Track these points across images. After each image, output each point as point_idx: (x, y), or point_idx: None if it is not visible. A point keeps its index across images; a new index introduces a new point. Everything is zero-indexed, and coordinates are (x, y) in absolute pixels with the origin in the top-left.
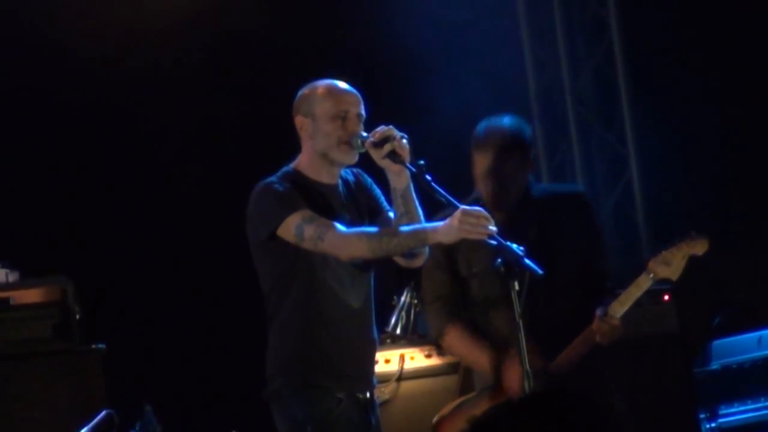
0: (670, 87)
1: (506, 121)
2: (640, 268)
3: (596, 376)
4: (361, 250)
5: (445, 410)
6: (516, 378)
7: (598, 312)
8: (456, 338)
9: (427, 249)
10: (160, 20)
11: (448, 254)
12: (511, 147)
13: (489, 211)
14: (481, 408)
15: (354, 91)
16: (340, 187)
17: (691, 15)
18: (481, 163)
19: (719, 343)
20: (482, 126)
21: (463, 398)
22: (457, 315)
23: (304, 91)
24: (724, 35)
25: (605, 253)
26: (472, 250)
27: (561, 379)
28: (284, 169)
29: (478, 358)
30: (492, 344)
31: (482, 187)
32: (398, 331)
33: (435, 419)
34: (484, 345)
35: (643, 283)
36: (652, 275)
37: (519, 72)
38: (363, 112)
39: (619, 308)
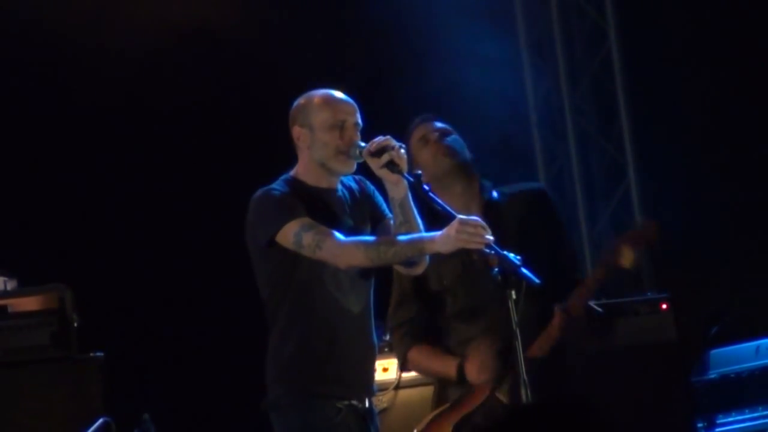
0: (669, 96)
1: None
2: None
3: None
4: (359, 259)
5: (421, 425)
6: (474, 367)
7: (558, 304)
8: (419, 356)
9: (427, 257)
10: (154, 25)
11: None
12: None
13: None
14: (454, 418)
15: (350, 100)
16: (341, 192)
17: (689, 23)
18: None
19: (717, 353)
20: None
21: (436, 411)
22: (420, 338)
23: (300, 101)
24: (723, 44)
25: (571, 246)
26: (441, 264)
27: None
28: (283, 176)
29: (444, 366)
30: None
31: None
32: None
33: None
34: (446, 354)
35: (597, 275)
36: (606, 264)
37: (517, 80)
38: (360, 121)
39: (574, 303)
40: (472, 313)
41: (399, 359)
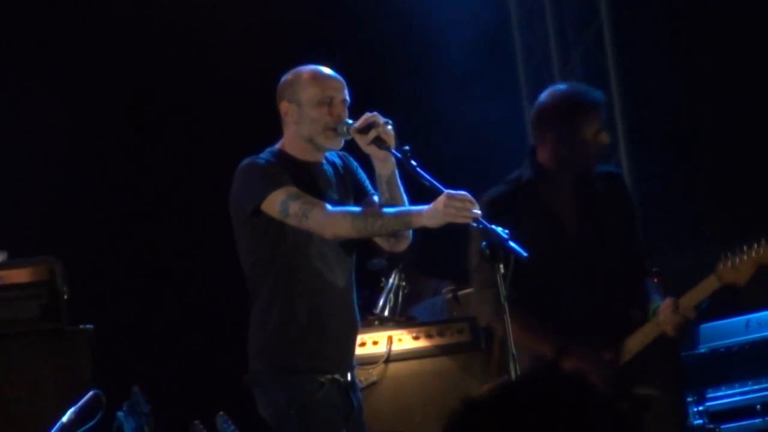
0: (660, 71)
1: (581, 85)
2: (699, 263)
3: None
4: (346, 229)
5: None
6: (584, 371)
7: (668, 303)
8: (512, 324)
9: (410, 233)
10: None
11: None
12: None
13: (557, 185)
14: None
15: (339, 76)
16: (326, 167)
17: None
18: (598, 119)
19: (707, 327)
20: (582, 90)
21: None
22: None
23: (288, 76)
24: (714, 17)
25: (641, 233)
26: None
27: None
28: (270, 147)
29: (540, 344)
30: (553, 328)
31: (587, 148)
32: (386, 313)
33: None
34: (543, 330)
35: (709, 286)
36: (719, 279)
37: (508, 56)
38: (348, 97)
39: (687, 303)
40: (562, 285)
41: (483, 319)
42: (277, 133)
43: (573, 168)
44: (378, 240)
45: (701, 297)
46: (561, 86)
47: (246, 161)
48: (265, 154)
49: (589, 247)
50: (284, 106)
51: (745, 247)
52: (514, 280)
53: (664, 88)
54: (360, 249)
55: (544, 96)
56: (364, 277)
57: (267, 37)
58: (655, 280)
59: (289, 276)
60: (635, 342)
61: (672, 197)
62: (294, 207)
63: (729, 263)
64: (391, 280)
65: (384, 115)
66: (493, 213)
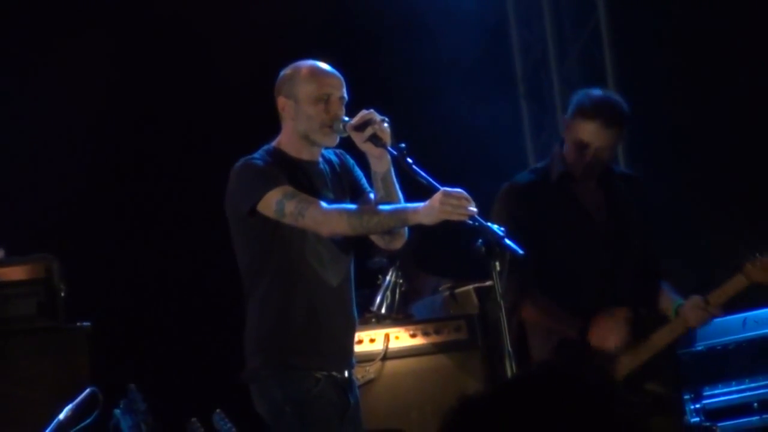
0: (657, 68)
1: (616, 97)
2: (737, 267)
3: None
4: (342, 227)
5: None
6: (602, 332)
7: (696, 300)
8: (534, 306)
9: (406, 231)
10: None
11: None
12: (627, 124)
13: (576, 178)
14: None
15: (337, 73)
16: (322, 165)
17: None
18: (603, 136)
19: None
20: (600, 98)
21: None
22: (533, 286)
23: (287, 71)
24: (712, 15)
25: (658, 237)
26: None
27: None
28: (265, 146)
29: (564, 324)
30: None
31: (587, 157)
32: (383, 310)
33: None
34: (566, 312)
35: (737, 284)
36: (747, 277)
37: (506, 53)
38: (345, 95)
39: (716, 301)
40: (581, 278)
41: (508, 304)
42: (274, 132)
43: (578, 171)
44: (373, 238)
45: (728, 295)
46: (594, 91)
47: (241, 161)
48: (260, 154)
49: (614, 241)
50: (281, 102)
51: None
52: (538, 270)
53: (662, 86)
54: (359, 248)
55: (577, 96)
56: (365, 276)
57: (264, 34)
58: (669, 283)
59: (285, 275)
60: (662, 338)
61: (669, 196)
62: (290, 206)
63: (758, 263)
64: (388, 278)
65: (380, 112)
66: (524, 198)
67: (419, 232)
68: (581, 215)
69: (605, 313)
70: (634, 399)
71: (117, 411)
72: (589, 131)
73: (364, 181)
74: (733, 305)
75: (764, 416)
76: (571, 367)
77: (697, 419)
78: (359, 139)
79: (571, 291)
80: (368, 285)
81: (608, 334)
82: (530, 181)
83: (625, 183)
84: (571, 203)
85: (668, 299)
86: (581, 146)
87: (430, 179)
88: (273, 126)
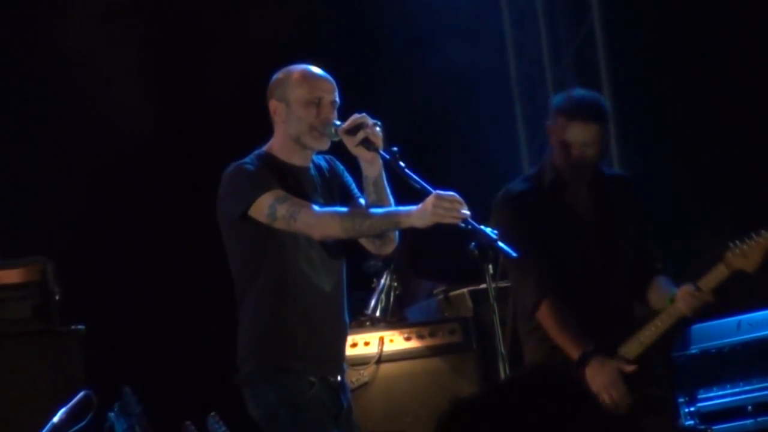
0: (652, 71)
1: (594, 94)
2: (717, 257)
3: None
4: (335, 229)
5: None
6: (599, 379)
7: (687, 287)
8: (551, 312)
9: (397, 236)
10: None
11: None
12: (608, 119)
13: (567, 183)
14: None
15: (329, 77)
16: (313, 171)
17: None
18: (586, 133)
19: (698, 328)
20: (578, 96)
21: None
22: (552, 289)
23: (279, 75)
24: (706, 18)
25: (652, 236)
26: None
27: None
28: (256, 151)
29: (570, 344)
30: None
31: (573, 156)
32: (378, 313)
33: None
34: (578, 330)
35: (719, 274)
36: (728, 266)
37: (500, 55)
38: (337, 98)
39: (706, 286)
40: (581, 279)
41: (529, 304)
42: (266, 136)
43: (567, 174)
44: (364, 242)
45: (716, 282)
46: (571, 92)
47: (232, 166)
48: (251, 158)
49: (606, 245)
50: (273, 105)
51: (753, 235)
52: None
53: (656, 88)
54: (352, 253)
55: (557, 95)
56: (360, 279)
57: (256, 39)
58: (667, 277)
59: (277, 279)
60: (646, 334)
61: (663, 196)
62: (281, 210)
63: (738, 250)
64: (382, 281)
65: (373, 116)
66: (520, 207)
67: (413, 235)
68: (574, 221)
69: (600, 360)
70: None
71: (111, 414)
72: (572, 130)
73: (354, 186)
74: (728, 308)
75: (759, 419)
76: (563, 371)
77: (691, 422)
78: (351, 143)
79: (565, 295)
80: (363, 288)
81: (605, 385)
82: (524, 190)
83: (616, 184)
84: (563, 209)
85: (664, 293)
86: (566, 147)
87: (423, 183)
88: (267, 132)
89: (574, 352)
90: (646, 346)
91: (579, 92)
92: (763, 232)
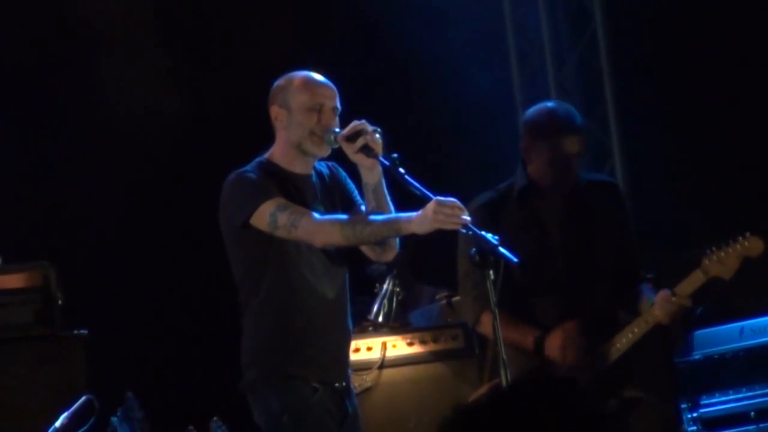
0: (654, 76)
1: (568, 106)
2: (695, 264)
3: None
4: (335, 237)
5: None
6: (556, 344)
7: (663, 292)
8: (491, 323)
9: (397, 243)
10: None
11: None
12: (584, 130)
13: (548, 194)
14: None
15: (330, 84)
16: (314, 179)
17: (675, 4)
18: (580, 143)
19: (701, 334)
20: (554, 109)
21: (496, 381)
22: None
23: (281, 82)
24: (708, 24)
25: (636, 244)
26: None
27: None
28: (258, 159)
29: (521, 335)
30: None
31: (554, 169)
32: (380, 318)
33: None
34: (523, 323)
35: (695, 280)
36: (705, 273)
37: (502, 61)
38: (338, 105)
39: (682, 291)
40: (542, 290)
41: (471, 319)
42: (267, 143)
43: (551, 183)
44: (364, 250)
45: (693, 288)
46: (548, 103)
47: (234, 174)
48: (252, 166)
49: (573, 256)
50: (275, 111)
51: (730, 241)
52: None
53: (659, 94)
54: (354, 259)
55: (530, 111)
56: (363, 284)
57: (258, 44)
58: (650, 285)
59: (279, 286)
60: (622, 340)
61: (666, 201)
62: (282, 218)
63: (714, 257)
64: (385, 286)
65: (373, 122)
66: (481, 216)
67: (415, 241)
68: (537, 232)
69: (558, 328)
70: (611, 405)
71: (114, 419)
72: (565, 144)
73: (356, 193)
74: (731, 314)
75: (761, 425)
76: (565, 377)
77: (694, 428)
78: (350, 150)
79: (527, 306)
80: (366, 293)
81: (562, 347)
82: (489, 199)
83: (598, 191)
84: (529, 219)
85: (646, 299)
86: (556, 161)
87: (423, 189)
88: (268, 139)
89: (527, 342)
90: (621, 351)
91: (555, 106)
92: (740, 238)
